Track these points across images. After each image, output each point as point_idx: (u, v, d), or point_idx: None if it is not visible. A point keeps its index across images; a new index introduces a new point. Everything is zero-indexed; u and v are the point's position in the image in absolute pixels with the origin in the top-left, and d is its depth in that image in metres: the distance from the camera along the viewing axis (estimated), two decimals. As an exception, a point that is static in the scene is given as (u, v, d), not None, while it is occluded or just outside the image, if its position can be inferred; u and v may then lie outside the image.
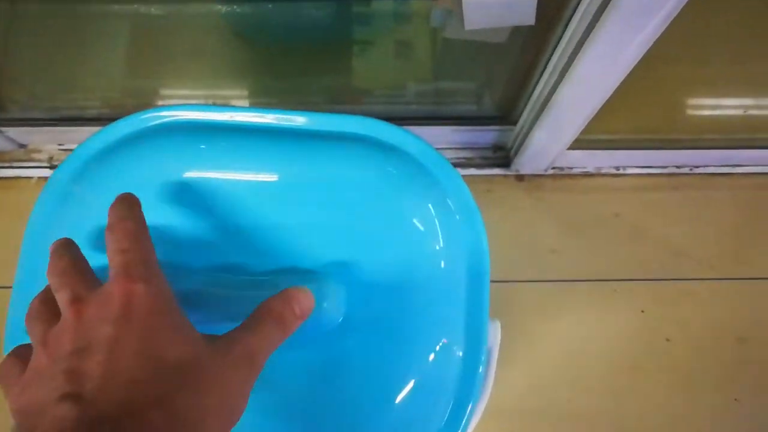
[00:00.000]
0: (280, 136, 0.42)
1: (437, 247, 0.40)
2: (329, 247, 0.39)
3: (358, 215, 0.39)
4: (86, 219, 0.40)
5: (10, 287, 0.76)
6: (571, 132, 0.68)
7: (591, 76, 0.59)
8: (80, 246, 0.33)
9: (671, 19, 0.48)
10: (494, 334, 0.47)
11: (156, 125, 0.45)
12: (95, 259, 0.33)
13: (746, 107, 0.82)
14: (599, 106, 0.63)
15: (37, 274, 0.41)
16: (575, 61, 0.57)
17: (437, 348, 0.39)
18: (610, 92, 0.60)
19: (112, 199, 0.33)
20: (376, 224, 0.39)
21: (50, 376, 0.24)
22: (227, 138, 0.42)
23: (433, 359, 0.39)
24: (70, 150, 0.81)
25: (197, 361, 0.26)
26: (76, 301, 0.26)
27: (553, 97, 0.63)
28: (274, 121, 0.42)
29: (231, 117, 0.43)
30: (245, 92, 0.80)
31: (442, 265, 0.41)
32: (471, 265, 0.43)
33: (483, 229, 0.43)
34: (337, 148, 0.41)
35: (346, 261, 0.39)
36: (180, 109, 0.43)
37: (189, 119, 0.43)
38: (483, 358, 0.40)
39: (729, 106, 0.83)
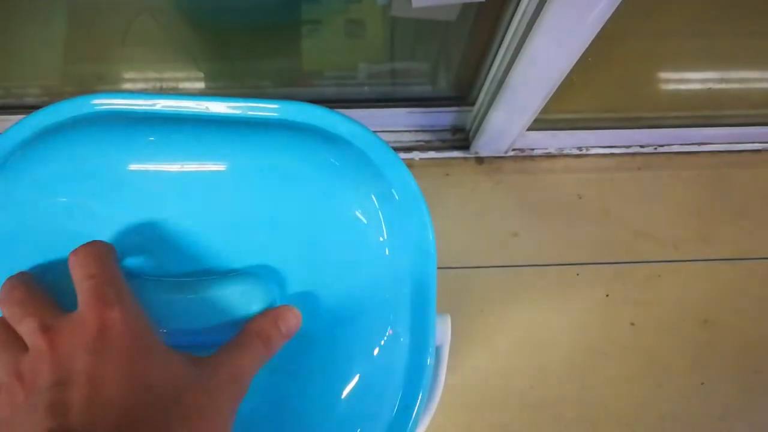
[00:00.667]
0: (218, 126, 0.39)
1: (381, 239, 0.38)
2: (271, 245, 0.37)
3: (301, 209, 0.37)
4: (8, 216, 0.36)
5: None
6: (530, 112, 0.65)
7: (546, 52, 0.56)
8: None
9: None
10: (444, 329, 0.44)
11: (84, 114, 0.42)
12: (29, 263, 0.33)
13: (710, 82, 0.80)
14: (557, 84, 0.60)
15: None
16: (529, 37, 0.54)
17: (383, 341, 0.38)
18: (568, 69, 0.58)
19: (38, 194, 0.31)
20: (318, 218, 0.37)
21: (31, 411, 0.23)
22: (157, 128, 0.39)
23: (379, 352, 0.37)
24: None
25: (185, 388, 0.25)
26: (46, 329, 0.25)
27: (509, 75, 0.60)
28: (206, 110, 0.39)
29: (162, 105, 0.40)
30: (191, 76, 0.76)
31: (387, 256, 0.39)
32: (417, 255, 0.41)
33: (428, 218, 0.40)
34: (281, 137, 0.38)
35: (289, 257, 0.37)
36: (106, 96, 0.39)
37: (117, 108, 0.40)
38: (431, 348, 0.39)
39: (693, 81, 0.81)
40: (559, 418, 0.73)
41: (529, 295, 0.77)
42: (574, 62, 0.57)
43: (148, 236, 0.36)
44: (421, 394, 0.39)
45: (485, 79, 0.67)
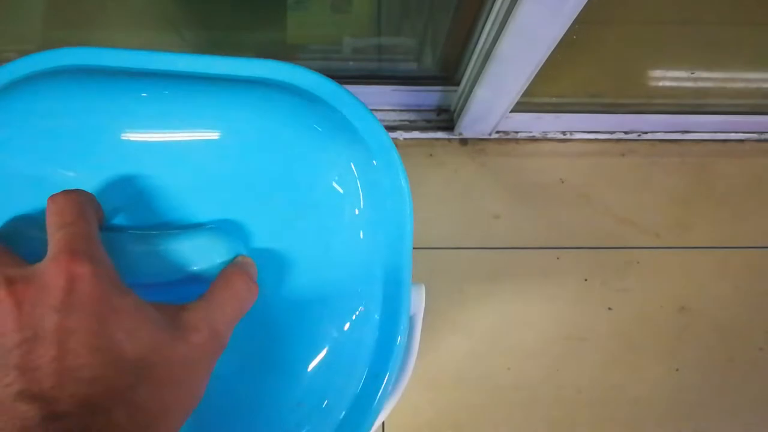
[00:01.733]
0: (199, 83, 0.38)
1: (356, 211, 0.37)
2: (242, 205, 0.36)
3: (277, 172, 0.36)
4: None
5: None
6: (515, 89, 0.65)
7: (532, 25, 0.56)
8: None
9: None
10: (418, 298, 0.44)
11: (56, 67, 0.40)
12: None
13: (696, 70, 0.80)
14: (540, 63, 0.60)
15: None
16: (515, 8, 0.54)
17: (354, 315, 0.37)
18: (553, 44, 0.57)
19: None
20: (293, 184, 0.36)
21: None
22: (131, 84, 0.37)
23: (350, 327, 0.36)
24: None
25: (159, 350, 0.23)
26: (10, 282, 0.23)
27: (495, 50, 0.59)
28: (188, 67, 0.38)
29: (143, 62, 0.39)
30: (174, 46, 0.75)
31: (362, 231, 0.38)
32: (392, 229, 0.40)
33: (407, 192, 0.39)
34: (263, 97, 0.37)
35: (259, 219, 0.36)
36: (80, 52, 0.38)
37: (89, 63, 0.38)
38: (402, 326, 0.38)
39: (679, 69, 0.81)
40: (534, 400, 0.73)
41: (509, 278, 0.77)
42: (560, 36, 0.57)
43: (115, 191, 0.35)
44: (389, 370, 0.38)
45: (471, 55, 0.66)
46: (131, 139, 0.35)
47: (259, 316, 0.35)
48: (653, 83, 0.81)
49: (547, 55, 0.60)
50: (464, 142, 0.79)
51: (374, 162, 0.38)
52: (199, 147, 0.36)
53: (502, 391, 0.73)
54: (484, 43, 0.62)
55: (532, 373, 0.74)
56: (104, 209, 0.32)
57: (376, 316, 0.37)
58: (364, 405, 0.38)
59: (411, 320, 0.44)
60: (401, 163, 0.40)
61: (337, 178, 0.36)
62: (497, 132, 0.79)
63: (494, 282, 0.76)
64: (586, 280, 0.77)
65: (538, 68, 0.62)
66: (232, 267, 0.29)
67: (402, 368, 0.45)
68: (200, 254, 0.31)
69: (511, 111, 0.73)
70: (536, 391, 0.74)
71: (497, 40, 0.59)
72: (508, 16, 0.55)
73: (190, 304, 0.26)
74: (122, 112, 0.35)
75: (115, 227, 0.34)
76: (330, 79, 0.38)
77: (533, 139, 0.81)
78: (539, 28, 0.55)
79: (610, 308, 0.77)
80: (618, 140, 0.81)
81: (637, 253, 0.78)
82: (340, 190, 0.37)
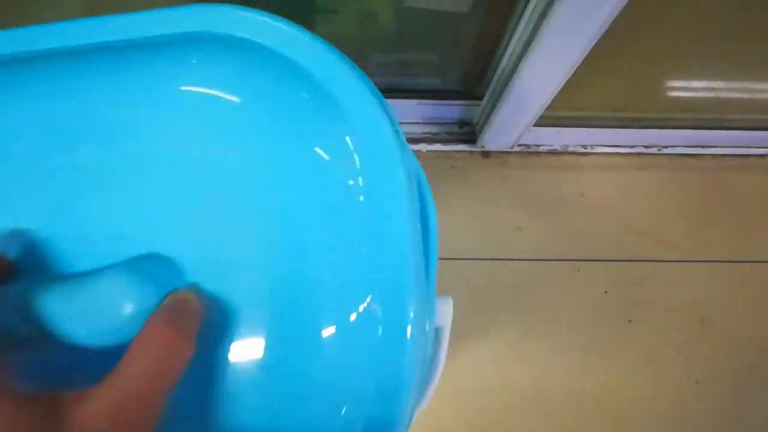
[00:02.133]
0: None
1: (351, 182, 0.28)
2: (190, 205, 0.28)
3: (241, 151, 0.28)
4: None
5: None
6: (536, 108, 0.66)
7: (555, 48, 0.57)
8: None
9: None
10: (446, 311, 0.45)
11: None
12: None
13: (716, 86, 0.80)
14: (564, 81, 0.61)
15: None
16: (538, 32, 0.55)
17: (355, 316, 0.28)
18: (575, 66, 0.59)
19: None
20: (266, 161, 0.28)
21: None
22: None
23: (356, 328, 0.28)
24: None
25: None
26: None
27: (517, 70, 0.61)
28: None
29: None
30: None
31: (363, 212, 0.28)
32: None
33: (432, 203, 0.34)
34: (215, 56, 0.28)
35: (211, 221, 0.28)
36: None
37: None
38: (424, 328, 0.30)
39: (699, 84, 0.82)
40: (555, 410, 0.74)
41: (529, 289, 0.78)
42: (584, 56, 0.58)
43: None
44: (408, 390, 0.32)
45: (494, 72, 0.68)
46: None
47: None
48: (673, 98, 0.82)
49: (570, 74, 0.61)
50: (486, 154, 0.81)
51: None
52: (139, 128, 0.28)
53: (524, 401, 0.74)
54: (507, 62, 0.64)
55: (552, 384, 0.75)
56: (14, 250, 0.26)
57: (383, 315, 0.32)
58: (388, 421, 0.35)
59: (438, 332, 0.45)
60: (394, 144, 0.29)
61: (324, 147, 0.28)
62: (519, 145, 0.81)
63: (515, 293, 0.77)
64: (606, 292, 0.78)
65: (561, 86, 0.63)
66: (154, 317, 0.22)
67: (430, 378, 0.46)
68: (111, 304, 0.23)
69: (534, 125, 0.74)
70: (557, 401, 0.75)
71: (520, 60, 0.60)
72: (532, 39, 0.57)
73: (91, 391, 0.19)
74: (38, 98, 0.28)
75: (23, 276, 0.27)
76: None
77: (554, 153, 0.82)
78: (564, 48, 0.57)
79: (630, 320, 0.77)
80: (638, 154, 0.82)
81: (657, 266, 0.79)
82: (327, 157, 0.28)
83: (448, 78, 0.74)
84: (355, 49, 0.73)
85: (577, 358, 0.76)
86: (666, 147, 0.82)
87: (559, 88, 0.64)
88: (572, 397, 0.75)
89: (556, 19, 0.52)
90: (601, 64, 0.75)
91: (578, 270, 0.79)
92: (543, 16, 0.53)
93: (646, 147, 0.82)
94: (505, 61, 0.64)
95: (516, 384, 0.75)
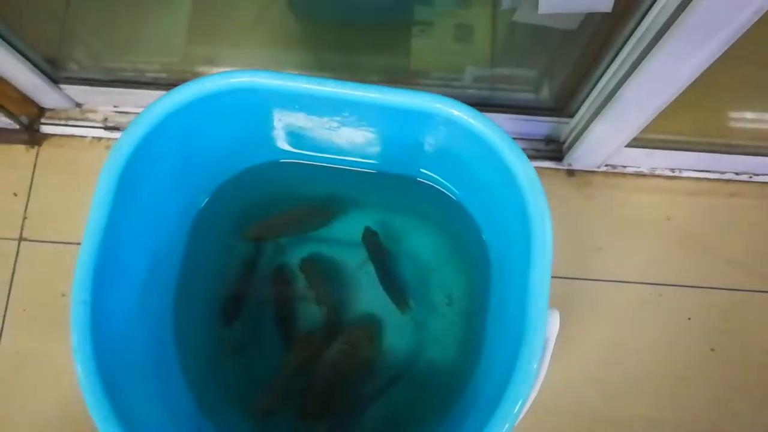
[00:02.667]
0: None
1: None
2: None
3: None
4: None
5: (63, 242, 0.77)
6: (633, 128, 0.66)
7: (664, 71, 0.57)
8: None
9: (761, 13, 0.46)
10: (553, 323, 0.46)
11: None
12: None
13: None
14: (666, 104, 0.61)
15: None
16: (648, 55, 0.55)
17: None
18: (681, 90, 0.58)
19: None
20: None
21: None
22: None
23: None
24: (126, 112, 0.82)
25: None
26: None
27: (619, 91, 0.61)
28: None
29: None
30: (300, 66, 0.79)
31: None
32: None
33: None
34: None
35: None
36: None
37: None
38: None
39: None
40: (630, 435, 0.73)
41: (609, 310, 0.77)
42: (690, 82, 0.58)
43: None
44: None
45: (591, 91, 0.68)
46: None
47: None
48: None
49: (673, 99, 0.61)
50: (571, 173, 0.81)
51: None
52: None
53: (597, 423, 0.74)
54: (608, 82, 0.64)
55: (629, 407, 0.74)
56: None
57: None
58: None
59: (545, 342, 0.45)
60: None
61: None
62: (605, 165, 0.80)
63: (593, 313, 0.77)
64: (689, 318, 0.77)
65: (661, 110, 0.63)
66: None
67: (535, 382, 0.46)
68: None
69: (625, 146, 0.74)
70: (632, 426, 0.74)
71: (623, 82, 0.60)
72: (640, 61, 0.57)
73: None
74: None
75: None
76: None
77: (641, 175, 0.81)
78: (672, 73, 0.56)
79: (713, 349, 0.76)
80: (727, 181, 0.81)
81: (743, 296, 0.77)
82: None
83: (541, 94, 0.75)
84: (451, 62, 0.74)
85: (655, 384, 0.75)
86: (758, 175, 0.80)
87: (659, 111, 0.63)
88: (650, 422, 0.74)
89: (672, 42, 0.52)
90: (695, 89, 0.74)
91: (661, 295, 0.78)
92: (657, 39, 0.53)
93: (737, 174, 0.80)
94: (606, 80, 0.64)
95: (590, 406, 0.74)
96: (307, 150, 0.60)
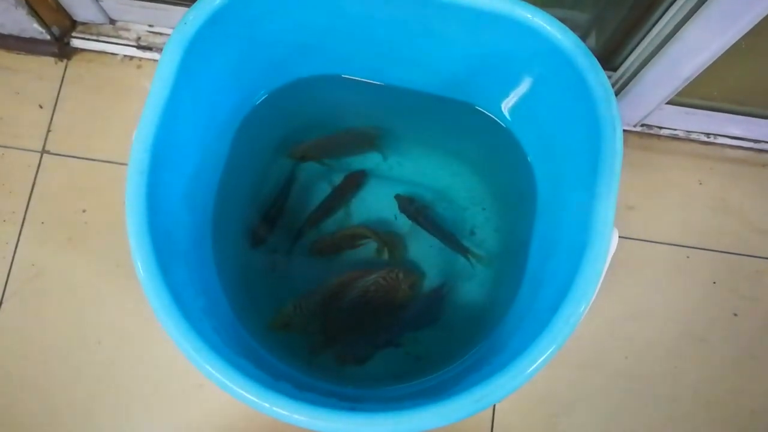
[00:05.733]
0: None
1: None
2: None
3: None
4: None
5: (86, 158, 0.75)
6: (688, 73, 0.65)
7: (724, 14, 0.56)
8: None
9: None
10: (613, 240, 0.45)
11: None
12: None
13: None
14: (726, 48, 0.60)
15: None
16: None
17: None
18: (743, 32, 0.58)
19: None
20: None
21: None
22: None
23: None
24: (160, 33, 0.80)
25: None
26: None
27: (679, 32, 0.60)
28: None
29: None
30: None
31: None
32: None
33: None
34: None
35: None
36: None
37: None
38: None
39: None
40: (649, 392, 0.73)
41: (636, 269, 0.77)
42: (754, 23, 0.57)
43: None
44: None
45: (643, 38, 0.67)
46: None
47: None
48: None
49: (728, 48, 0.60)
50: (607, 130, 0.80)
51: None
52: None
53: (619, 379, 0.73)
54: (666, 25, 0.63)
55: (650, 365, 0.74)
56: None
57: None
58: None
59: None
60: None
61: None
62: (642, 125, 0.80)
63: (621, 271, 0.76)
64: (714, 283, 0.77)
65: (717, 56, 0.62)
66: None
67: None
68: None
69: (666, 103, 0.73)
70: (653, 383, 0.73)
71: (685, 22, 0.60)
72: (697, 8, 0.56)
73: None
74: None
75: None
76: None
77: (676, 138, 0.81)
78: (740, 8, 0.56)
79: (735, 314, 0.76)
80: (761, 150, 0.81)
81: (769, 265, 0.77)
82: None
83: (588, 43, 0.74)
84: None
85: (677, 344, 0.75)
86: (793, 147, 0.80)
87: (714, 60, 0.63)
88: (669, 381, 0.73)
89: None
90: (743, 58, 0.74)
91: (688, 257, 0.77)
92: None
93: (771, 144, 0.80)
94: (664, 23, 0.63)
95: (613, 361, 0.74)
96: (365, 67, 0.59)
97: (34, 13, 0.74)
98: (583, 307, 0.40)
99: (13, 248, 0.74)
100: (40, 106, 0.78)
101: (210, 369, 0.38)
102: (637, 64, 0.69)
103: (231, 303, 0.53)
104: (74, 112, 0.79)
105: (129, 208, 0.41)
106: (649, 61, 0.67)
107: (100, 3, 0.76)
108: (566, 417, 0.72)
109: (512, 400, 0.72)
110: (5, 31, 0.78)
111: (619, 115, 0.45)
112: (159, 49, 0.80)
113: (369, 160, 0.67)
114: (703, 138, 0.80)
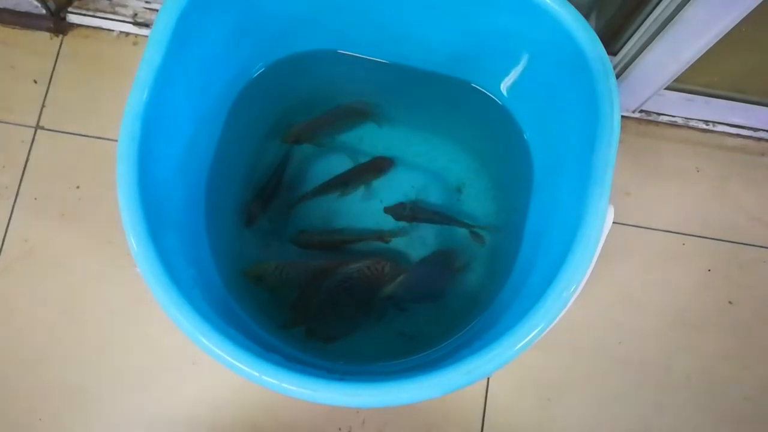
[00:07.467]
0: None
1: None
2: None
3: None
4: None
5: (81, 134, 0.74)
6: (689, 56, 0.65)
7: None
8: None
9: None
10: (609, 217, 0.44)
11: None
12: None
13: None
14: (728, 28, 0.60)
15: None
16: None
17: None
18: (745, 12, 0.57)
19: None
20: None
21: None
22: None
23: None
24: (156, 9, 0.79)
25: None
26: None
27: (681, 12, 0.60)
28: None
29: None
30: None
31: None
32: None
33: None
34: None
35: None
36: None
37: None
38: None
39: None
40: (642, 379, 0.73)
41: (632, 255, 0.76)
42: (750, 9, 0.57)
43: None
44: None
45: (644, 21, 0.66)
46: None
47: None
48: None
49: (734, 24, 0.60)
50: (606, 115, 0.80)
51: None
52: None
53: (612, 364, 0.73)
54: (667, 6, 0.63)
55: (643, 352, 0.74)
56: None
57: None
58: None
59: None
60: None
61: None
62: (640, 111, 0.79)
63: (616, 257, 0.76)
64: (709, 270, 0.76)
65: (719, 39, 0.62)
66: None
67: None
68: None
69: (666, 89, 0.73)
70: (645, 370, 0.73)
71: (685, 4, 0.59)
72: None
73: None
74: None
75: None
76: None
77: (674, 125, 0.80)
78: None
79: (730, 302, 0.76)
80: (760, 139, 0.81)
81: (765, 253, 0.77)
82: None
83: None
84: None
85: (671, 331, 0.74)
86: (791, 137, 0.80)
87: (715, 41, 0.62)
88: (662, 368, 0.73)
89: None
90: (743, 45, 0.73)
91: (684, 244, 0.77)
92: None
93: (769, 132, 0.80)
94: (660, 10, 0.63)
95: (606, 347, 0.73)
96: (363, 42, 0.58)
97: (30, -14, 0.73)
98: (577, 281, 0.39)
99: (6, 223, 0.73)
100: (35, 81, 0.78)
101: (199, 336, 0.38)
102: (637, 47, 0.68)
103: (221, 274, 0.53)
104: (69, 88, 0.78)
105: (120, 174, 0.40)
106: (649, 43, 0.66)
107: (97, -23, 0.76)
108: (558, 401, 0.72)
109: (504, 384, 0.72)
110: (0, 5, 0.77)
111: (617, 90, 0.44)
112: (156, 26, 0.79)
113: (364, 143, 0.67)
114: (702, 125, 0.80)
